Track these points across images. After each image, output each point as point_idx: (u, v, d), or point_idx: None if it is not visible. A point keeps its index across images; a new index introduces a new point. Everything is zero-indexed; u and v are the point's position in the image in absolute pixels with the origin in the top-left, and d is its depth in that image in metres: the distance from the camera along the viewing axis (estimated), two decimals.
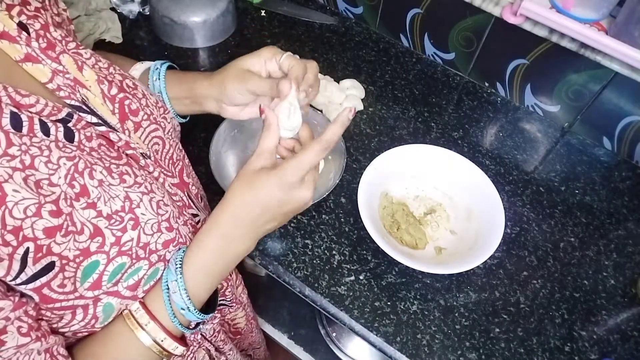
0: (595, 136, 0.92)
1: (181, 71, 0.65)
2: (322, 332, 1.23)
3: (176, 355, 0.47)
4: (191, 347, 0.62)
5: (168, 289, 0.46)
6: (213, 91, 0.60)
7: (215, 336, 0.67)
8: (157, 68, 0.62)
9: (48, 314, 0.39)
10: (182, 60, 0.96)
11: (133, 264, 0.43)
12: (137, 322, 0.44)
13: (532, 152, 0.91)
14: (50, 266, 0.37)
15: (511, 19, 0.78)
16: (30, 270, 0.36)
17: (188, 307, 0.46)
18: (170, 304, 0.45)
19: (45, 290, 0.37)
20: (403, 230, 0.74)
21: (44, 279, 0.37)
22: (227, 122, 0.76)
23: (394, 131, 0.90)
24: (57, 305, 0.39)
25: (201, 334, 0.64)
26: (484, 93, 0.99)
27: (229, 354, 0.74)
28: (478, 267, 0.73)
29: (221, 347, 0.70)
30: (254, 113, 0.62)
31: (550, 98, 0.92)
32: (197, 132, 0.85)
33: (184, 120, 0.65)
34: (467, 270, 0.69)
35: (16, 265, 0.35)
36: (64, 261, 0.38)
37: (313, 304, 0.70)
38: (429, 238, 0.76)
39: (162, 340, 0.45)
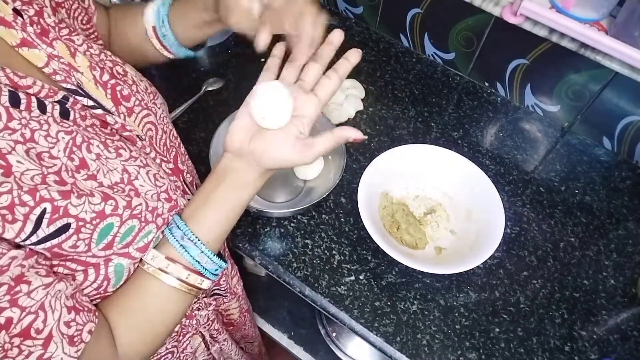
0: (595, 136, 0.92)
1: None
2: (322, 332, 1.23)
3: (203, 288, 0.48)
4: (187, 334, 0.63)
5: (187, 251, 0.47)
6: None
7: (209, 324, 0.68)
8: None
9: (60, 269, 0.40)
10: (182, 61, 0.96)
11: (143, 228, 0.44)
12: (159, 269, 0.45)
13: (532, 152, 0.91)
14: (65, 228, 0.38)
15: (511, 19, 0.78)
16: (42, 232, 0.36)
17: (220, 266, 0.49)
18: (196, 260, 0.47)
19: (56, 250, 0.38)
20: (403, 230, 0.74)
21: (55, 241, 0.37)
22: (227, 122, 0.76)
23: (394, 131, 0.90)
24: (70, 257, 0.40)
25: (196, 319, 0.64)
26: (484, 93, 0.99)
27: (224, 344, 0.74)
28: (478, 267, 0.73)
29: (215, 335, 0.71)
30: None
31: (550, 98, 0.92)
32: (197, 132, 0.85)
33: (192, 54, 0.65)
34: (467, 270, 0.69)
35: (29, 227, 0.35)
36: (80, 223, 0.39)
37: (313, 304, 0.70)
38: (429, 238, 0.76)
39: (186, 277, 0.46)
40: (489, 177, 0.75)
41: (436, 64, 1.03)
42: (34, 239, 0.36)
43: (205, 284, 0.48)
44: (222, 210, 0.48)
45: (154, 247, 0.46)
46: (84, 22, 0.54)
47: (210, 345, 0.71)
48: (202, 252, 0.46)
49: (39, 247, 0.37)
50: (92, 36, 0.56)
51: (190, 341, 0.65)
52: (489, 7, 0.83)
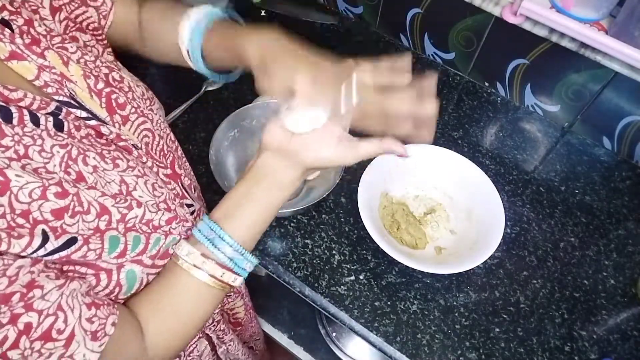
0: (595, 136, 0.92)
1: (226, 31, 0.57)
2: (322, 332, 1.23)
3: (236, 286, 0.48)
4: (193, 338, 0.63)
5: (224, 254, 0.46)
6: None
7: (215, 326, 0.67)
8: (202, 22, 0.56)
9: (70, 274, 0.39)
10: None
11: (149, 237, 0.44)
12: (193, 265, 0.45)
13: (532, 152, 0.91)
14: (71, 241, 0.37)
15: (511, 19, 0.78)
16: (51, 245, 0.36)
17: (253, 263, 0.49)
18: (229, 258, 0.46)
19: (65, 259, 0.38)
20: (403, 230, 0.74)
21: (63, 253, 0.37)
22: (227, 122, 0.76)
23: None
24: (79, 262, 0.39)
25: None
26: (484, 93, 0.99)
27: (230, 344, 0.74)
28: (478, 267, 0.73)
29: (221, 336, 0.71)
30: None
31: (550, 98, 0.92)
32: (197, 132, 0.85)
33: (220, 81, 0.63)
34: (467, 270, 0.69)
35: (37, 241, 0.35)
36: (85, 236, 0.38)
37: (313, 304, 0.70)
38: (429, 238, 0.76)
39: (221, 275, 0.46)
40: (489, 177, 0.75)
41: (436, 64, 1.03)
42: (41, 252, 0.35)
43: (238, 282, 0.48)
44: (258, 210, 0.48)
45: (189, 244, 0.46)
46: (90, 28, 0.53)
47: (217, 348, 0.70)
48: (237, 250, 0.46)
49: (48, 259, 0.36)
50: (99, 38, 0.54)
51: (196, 344, 0.64)
52: (489, 7, 0.83)
